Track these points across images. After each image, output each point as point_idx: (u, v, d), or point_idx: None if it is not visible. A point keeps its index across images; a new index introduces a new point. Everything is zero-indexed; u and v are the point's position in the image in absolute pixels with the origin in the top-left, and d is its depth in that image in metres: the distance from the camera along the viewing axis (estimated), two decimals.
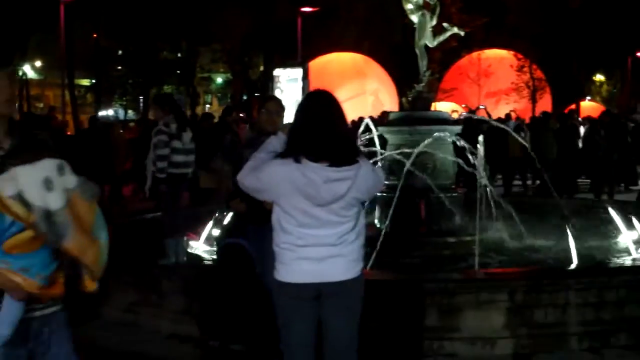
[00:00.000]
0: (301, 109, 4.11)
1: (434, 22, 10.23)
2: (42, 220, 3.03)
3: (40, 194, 3.03)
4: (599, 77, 54.58)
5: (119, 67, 45.52)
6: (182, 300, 6.96)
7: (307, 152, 3.89)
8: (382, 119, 15.84)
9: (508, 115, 21.74)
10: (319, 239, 3.94)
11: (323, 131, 3.93)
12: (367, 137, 10.30)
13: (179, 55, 46.69)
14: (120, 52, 44.74)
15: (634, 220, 8.64)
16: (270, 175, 3.93)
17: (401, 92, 31.98)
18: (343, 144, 4.00)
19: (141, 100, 46.43)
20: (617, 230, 8.95)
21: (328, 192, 3.88)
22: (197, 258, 9.02)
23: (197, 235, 9.67)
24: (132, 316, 7.22)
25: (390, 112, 14.18)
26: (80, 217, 3.16)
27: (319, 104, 4.10)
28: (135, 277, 7.50)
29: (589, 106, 39.39)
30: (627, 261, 7.78)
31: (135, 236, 9.27)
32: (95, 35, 40.28)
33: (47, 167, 3.12)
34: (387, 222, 9.55)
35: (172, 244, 8.65)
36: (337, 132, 4.00)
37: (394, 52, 38.48)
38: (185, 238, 9.16)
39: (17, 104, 3.38)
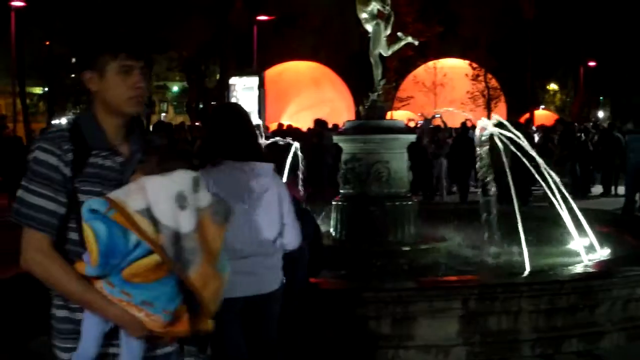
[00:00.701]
0: (218, 119, 4.43)
1: (388, 31, 10.26)
2: (170, 244, 2.52)
3: (171, 212, 2.53)
4: (553, 86, 55.48)
5: (73, 75, 44.91)
6: None
7: (230, 154, 4.18)
8: (336, 128, 15.89)
9: (465, 124, 21.92)
10: (254, 249, 4.11)
11: (244, 134, 4.30)
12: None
13: None
14: (73, 59, 44.16)
15: (586, 226, 8.74)
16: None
17: (357, 100, 32.11)
18: (258, 146, 4.42)
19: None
20: (570, 237, 9.05)
21: (256, 185, 4.14)
22: None
23: None
24: None
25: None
26: (208, 243, 2.64)
27: (236, 112, 4.45)
28: None
29: (543, 115, 40.01)
30: (578, 267, 7.86)
31: None
32: (47, 42, 39.64)
33: (181, 180, 2.62)
34: (342, 231, 9.59)
35: None
36: (253, 134, 4.40)
37: (350, 60, 38.67)
38: None
39: (142, 103, 2.89)
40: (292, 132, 19.19)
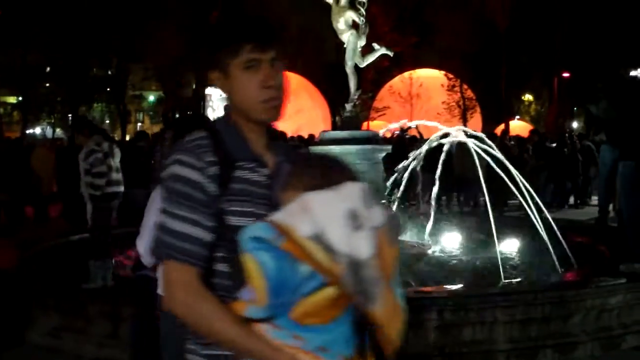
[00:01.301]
0: (186, 129, 4.34)
1: (363, 42, 10.31)
2: (350, 274, 2.04)
3: (346, 235, 2.04)
4: (528, 97, 55.92)
5: (47, 84, 44.57)
6: (107, 324, 6.79)
7: None
8: (312, 139, 15.92)
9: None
10: None
11: None
12: None
13: (110, 72, 45.97)
14: (48, 68, 43.83)
15: (560, 237, 8.80)
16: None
17: (334, 110, 32.19)
18: None
19: (70, 118, 45.59)
20: (545, 247, 9.10)
21: None
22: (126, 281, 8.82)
23: (126, 256, 9.48)
24: (56, 341, 7.03)
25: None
26: (385, 268, 2.12)
27: (202, 123, 4.21)
28: (59, 300, 7.31)
29: (518, 125, 40.31)
30: (552, 278, 7.91)
31: (62, 258, 9.07)
32: (21, 51, 39.30)
33: (351, 195, 2.11)
34: None
35: (98, 266, 8.46)
36: None
37: (326, 70, 38.75)
38: (113, 259, 8.98)
39: (280, 107, 2.35)
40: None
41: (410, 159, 10.23)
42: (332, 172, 2.19)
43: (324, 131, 10.89)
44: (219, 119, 2.45)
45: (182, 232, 2.18)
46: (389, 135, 19.85)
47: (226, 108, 2.41)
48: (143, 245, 4.21)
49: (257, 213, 2.22)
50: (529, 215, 9.02)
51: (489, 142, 10.05)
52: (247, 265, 2.06)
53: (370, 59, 10.60)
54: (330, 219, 2.04)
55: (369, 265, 2.04)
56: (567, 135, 20.76)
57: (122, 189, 9.17)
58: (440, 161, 10.39)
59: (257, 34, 2.27)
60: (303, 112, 31.78)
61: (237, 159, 2.27)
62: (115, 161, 8.99)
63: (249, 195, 2.26)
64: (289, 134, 20.99)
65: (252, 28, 2.29)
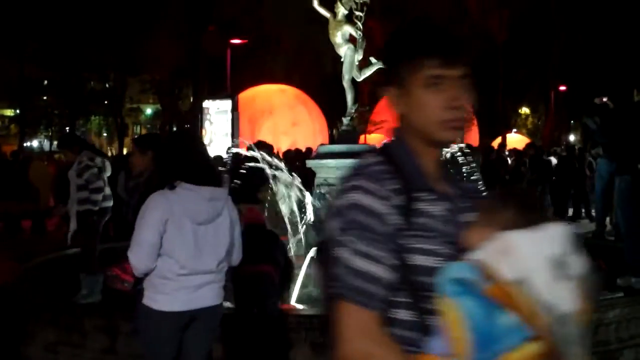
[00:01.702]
0: (173, 145, 4.71)
1: (361, 56, 10.33)
2: (556, 328, 1.80)
3: (550, 283, 1.80)
4: (525, 110, 56.06)
5: (45, 97, 44.62)
6: (104, 339, 6.77)
7: (186, 177, 4.37)
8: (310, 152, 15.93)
9: None
10: (200, 266, 4.32)
11: (200, 159, 4.54)
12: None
13: (107, 85, 46.06)
14: (46, 81, 43.87)
15: None
16: (151, 210, 4.28)
17: (331, 124, 32.20)
18: (214, 171, 4.63)
19: (67, 131, 45.57)
20: None
21: (211, 208, 4.38)
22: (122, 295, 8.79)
23: (123, 270, 9.45)
24: (52, 356, 7.00)
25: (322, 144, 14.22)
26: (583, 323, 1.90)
27: (189, 139, 4.82)
28: (56, 315, 7.28)
29: (515, 138, 40.37)
30: None
31: (58, 272, 9.04)
32: (19, 64, 39.33)
33: (556, 238, 1.86)
34: (315, 252, 9.55)
35: (90, 280, 8.41)
36: (208, 160, 4.66)
37: (324, 84, 38.82)
38: (108, 273, 8.95)
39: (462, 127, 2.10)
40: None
41: None
42: (528, 210, 1.95)
43: (322, 144, 10.90)
44: (391, 142, 2.17)
45: (363, 270, 1.88)
46: None
47: (397, 130, 2.17)
48: (135, 258, 4.31)
49: (442, 252, 1.95)
50: None
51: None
52: (446, 312, 1.81)
53: (368, 72, 10.61)
54: (535, 263, 1.81)
55: (574, 320, 1.84)
56: (562, 148, 20.86)
57: (112, 203, 9.16)
58: None
59: (445, 47, 2.02)
60: (300, 125, 31.78)
61: (415, 188, 1.99)
62: (106, 175, 8.96)
63: (433, 231, 1.97)
64: (286, 147, 21.02)
65: (438, 40, 2.03)
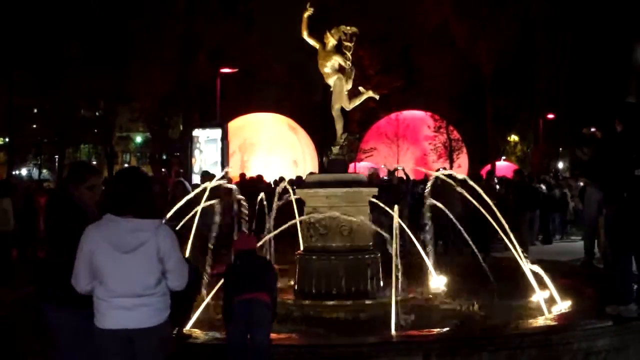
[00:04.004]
0: (113, 181, 5.16)
1: (350, 86, 10.38)
2: None
3: None
4: (514, 138, 56.35)
5: (34, 125, 44.51)
6: None
7: (113, 209, 4.78)
8: (300, 181, 15.94)
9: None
10: (128, 291, 4.68)
11: (128, 194, 4.83)
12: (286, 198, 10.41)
13: (97, 113, 45.99)
14: (35, 110, 43.80)
15: (546, 279, 8.80)
16: (83, 242, 4.74)
17: (321, 152, 32.27)
18: (146, 204, 4.89)
19: (57, 159, 45.43)
20: (531, 289, 9.10)
21: (134, 238, 4.70)
22: None
23: None
24: None
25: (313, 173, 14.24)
26: None
27: (127, 176, 5.11)
28: (44, 346, 7.22)
29: (504, 166, 40.55)
30: (539, 321, 7.90)
31: None
32: (7, 92, 39.18)
33: None
34: (304, 284, 9.56)
35: None
36: (137, 194, 4.87)
37: (313, 112, 38.98)
38: None
39: None
40: (255, 182, 19.23)
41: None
42: None
43: (311, 173, 10.94)
44: None
45: None
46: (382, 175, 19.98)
47: None
48: (75, 284, 4.83)
49: None
50: (515, 258, 9.01)
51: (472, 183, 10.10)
52: None
53: (357, 102, 10.67)
54: None
55: None
56: (553, 174, 21.03)
57: None
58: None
59: None
60: (290, 154, 31.86)
61: None
62: None
63: None
64: (274, 176, 21.02)
65: None
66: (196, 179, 23.78)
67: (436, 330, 7.73)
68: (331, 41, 10.22)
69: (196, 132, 26.70)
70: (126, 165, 59.12)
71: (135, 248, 4.71)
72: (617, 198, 7.75)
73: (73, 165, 6.01)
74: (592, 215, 14.96)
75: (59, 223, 5.40)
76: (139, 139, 58.28)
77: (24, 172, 48.99)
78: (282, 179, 19.94)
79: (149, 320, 4.74)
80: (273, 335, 6.31)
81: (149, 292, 4.75)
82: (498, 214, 9.44)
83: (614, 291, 7.89)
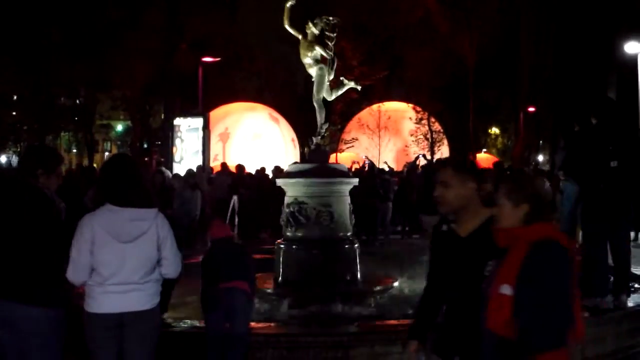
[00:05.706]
0: (107, 169, 5.06)
1: (332, 76, 10.39)
2: None
3: None
4: (495, 130, 56.57)
5: (14, 113, 44.05)
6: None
7: (113, 199, 4.72)
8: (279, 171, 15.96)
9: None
10: (124, 279, 4.67)
11: (127, 182, 4.80)
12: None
13: (77, 101, 45.56)
14: (14, 96, 43.35)
15: None
16: (84, 227, 4.69)
17: (302, 142, 32.23)
18: (143, 193, 4.86)
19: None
20: None
21: (134, 228, 4.70)
22: None
23: None
24: None
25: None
26: None
27: (121, 163, 5.03)
28: None
29: (485, 158, 40.70)
30: None
31: None
32: None
33: None
34: (285, 274, 9.58)
35: None
36: (138, 183, 4.86)
37: (295, 102, 38.93)
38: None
39: None
40: (236, 172, 19.22)
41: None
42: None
43: (293, 163, 10.95)
44: None
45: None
46: (357, 166, 19.98)
47: None
48: (71, 275, 4.72)
49: None
50: None
51: None
52: None
53: (339, 92, 10.68)
54: None
55: None
56: (533, 167, 21.04)
57: None
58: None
59: None
60: (271, 144, 31.81)
61: None
62: None
63: None
64: (256, 166, 20.99)
65: None
66: (177, 167, 23.76)
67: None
68: (313, 31, 10.22)
69: (177, 121, 26.56)
70: (107, 153, 58.81)
71: (136, 237, 4.72)
72: (594, 190, 7.83)
73: (40, 152, 5.52)
74: (569, 208, 15.04)
75: (26, 213, 4.85)
76: (119, 127, 57.90)
77: (3, 159, 48.53)
78: (262, 169, 20.05)
79: (143, 304, 4.75)
80: (252, 324, 6.34)
81: (145, 279, 4.76)
82: None
83: (590, 284, 7.97)
